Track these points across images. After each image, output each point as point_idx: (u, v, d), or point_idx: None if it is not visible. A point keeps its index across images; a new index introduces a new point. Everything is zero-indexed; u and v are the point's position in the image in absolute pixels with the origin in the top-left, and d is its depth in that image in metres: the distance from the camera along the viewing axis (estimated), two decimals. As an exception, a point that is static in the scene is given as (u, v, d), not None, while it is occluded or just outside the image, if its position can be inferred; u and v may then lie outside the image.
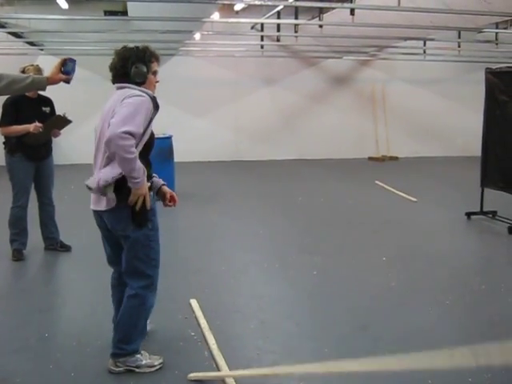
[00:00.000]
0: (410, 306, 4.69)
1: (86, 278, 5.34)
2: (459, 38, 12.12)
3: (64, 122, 5.63)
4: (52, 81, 3.53)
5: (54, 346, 3.92)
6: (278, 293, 5.02)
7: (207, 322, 4.22)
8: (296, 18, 9.95)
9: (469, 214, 7.83)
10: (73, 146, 12.64)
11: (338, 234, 7.07)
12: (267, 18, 10.15)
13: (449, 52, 12.82)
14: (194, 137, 12.49)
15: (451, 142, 14.79)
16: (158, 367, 3.56)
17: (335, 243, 6.63)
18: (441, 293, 4.96)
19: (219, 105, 13.23)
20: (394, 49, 12.77)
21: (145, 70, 3.41)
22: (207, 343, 3.88)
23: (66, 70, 3.47)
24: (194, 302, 4.59)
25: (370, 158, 14.40)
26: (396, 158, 14.41)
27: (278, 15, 10.23)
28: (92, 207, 3.56)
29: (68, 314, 4.61)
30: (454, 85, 14.60)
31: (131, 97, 3.29)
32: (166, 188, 3.78)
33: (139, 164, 3.21)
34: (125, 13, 9.81)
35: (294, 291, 5.05)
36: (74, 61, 3.50)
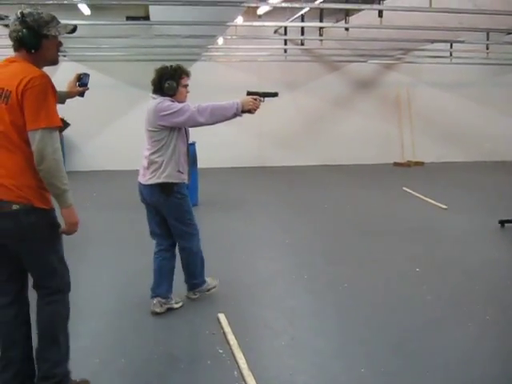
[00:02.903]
0: (448, 322, 4.44)
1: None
2: (487, 39, 11.82)
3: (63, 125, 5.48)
4: (71, 94, 3.62)
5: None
6: (308, 306, 4.80)
7: (236, 338, 4.03)
8: (321, 21, 9.74)
9: (503, 222, 7.54)
10: (94, 153, 12.58)
11: (367, 242, 6.83)
12: (291, 21, 9.96)
13: (476, 55, 12.50)
14: (217, 143, 12.33)
15: (478, 146, 14.45)
16: (217, 285, 4.94)
17: (364, 253, 6.40)
18: (480, 308, 4.71)
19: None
20: (419, 52, 12.50)
21: (174, 85, 4.33)
22: (237, 362, 3.69)
23: (83, 82, 3.60)
24: (221, 317, 4.40)
25: (396, 164, 14.11)
26: (422, 164, 14.10)
27: (302, 18, 10.03)
28: (138, 179, 4.52)
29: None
30: (481, 88, 14.27)
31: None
32: None
33: None
34: (147, 18, 9.69)
35: (325, 305, 4.83)
36: (88, 75, 3.63)
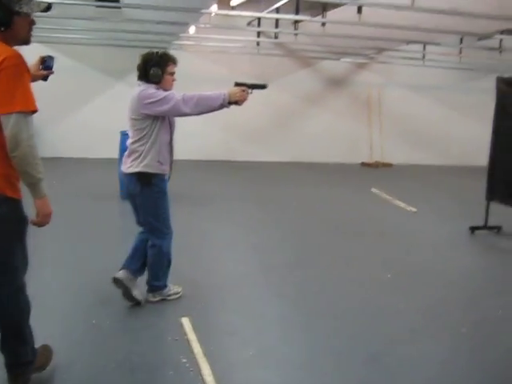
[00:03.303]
0: (424, 334, 4.25)
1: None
2: (461, 43, 11.75)
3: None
4: (33, 78, 3.21)
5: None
6: (277, 312, 4.55)
7: (200, 345, 3.76)
8: (297, 14, 9.48)
9: (473, 229, 7.43)
10: (55, 139, 12.04)
11: (337, 245, 6.64)
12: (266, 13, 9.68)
13: (449, 58, 12.44)
14: (183, 134, 11.91)
15: (447, 150, 14.49)
16: (180, 293, 4.63)
17: (335, 256, 6.19)
18: (455, 319, 4.54)
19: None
20: (393, 52, 12.37)
21: (160, 72, 4.18)
22: (201, 374, 3.42)
23: (47, 65, 3.36)
24: (185, 321, 4.13)
25: (363, 164, 14.02)
26: (390, 165, 14.03)
27: (277, 11, 9.75)
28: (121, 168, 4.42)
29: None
30: (452, 92, 14.28)
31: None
32: None
33: None
34: (117, 1, 9.29)
35: (294, 311, 4.58)
36: (52, 57, 3.40)
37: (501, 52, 11.59)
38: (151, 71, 4.16)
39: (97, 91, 12.03)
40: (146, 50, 4.35)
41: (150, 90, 4.16)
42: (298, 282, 5.25)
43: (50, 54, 3.42)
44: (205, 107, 4.07)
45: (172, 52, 4.48)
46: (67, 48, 11.17)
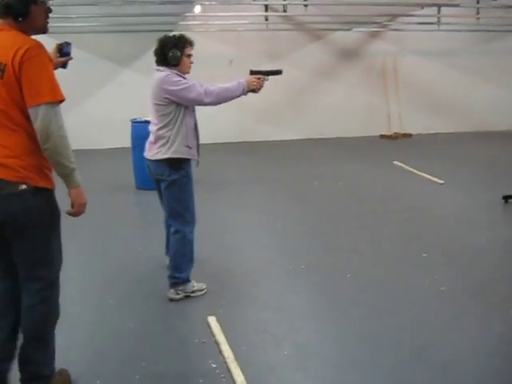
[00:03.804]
0: (471, 318, 3.92)
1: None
2: (478, 3, 11.22)
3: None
4: (53, 66, 3.01)
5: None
6: (309, 304, 4.24)
7: (231, 347, 3.45)
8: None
9: (506, 198, 7.03)
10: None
11: (366, 225, 6.28)
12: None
13: (466, 20, 11.90)
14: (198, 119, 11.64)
15: (467, 116, 13.95)
16: (205, 290, 4.35)
17: (365, 237, 5.84)
18: (502, 300, 4.19)
19: (221, 83, 12.35)
20: (406, 18, 11.87)
21: (179, 54, 4.15)
22: (234, 380, 3.12)
23: (66, 51, 3.26)
24: (212, 321, 3.83)
25: (382, 136, 13.54)
26: (409, 135, 13.54)
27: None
28: (144, 154, 4.38)
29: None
30: (468, 56, 13.69)
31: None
32: None
33: None
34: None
35: (328, 301, 4.26)
36: (69, 43, 3.31)
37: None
38: (170, 53, 4.14)
39: (103, 80, 11.68)
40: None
41: (175, 77, 4.14)
42: (327, 268, 4.92)
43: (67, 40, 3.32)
44: (225, 98, 4.29)
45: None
46: (70, 37, 10.78)
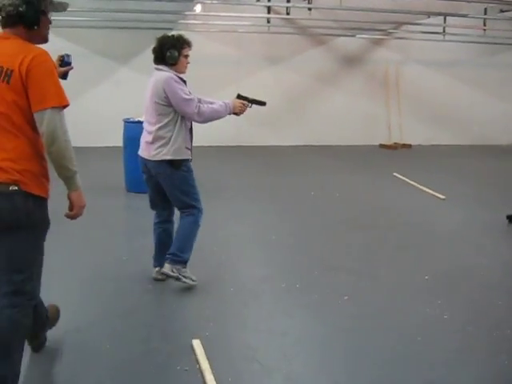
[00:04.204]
0: (477, 353, 3.62)
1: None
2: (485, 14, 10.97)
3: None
4: None
5: None
6: (303, 328, 3.94)
7: (215, 378, 3.14)
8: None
9: (510, 218, 6.75)
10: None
11: (365, 242, 5.97)
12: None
13: (472, 32, 11.64)
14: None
15: (468, 129, 13.69)
16: (195, 283, 4.39)
17: (363, 255, 5.55)
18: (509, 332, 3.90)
19: (219, 85, 11.94)
20: (411, 27, 11.60)
21: (176, 54, 4.26)
22: (218, 418, 2.81)
23: (66, 61, 3.36)
24: (197, 345, 3.50)
25: (382, 146, 13.29)
26: (409, 146, 13.28)
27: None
28: (139, 153, 4.41)
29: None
30: (473, 68, 13.44)
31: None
32: None
33: None
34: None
35: (323, 325, 3.96)
36: (70, 55, 3.41)
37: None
38: (168, 53, 4.25)
39: (98, 77, 11.36)
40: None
41: (179, 84, 4.24)
42: (324, 289, 4.61)
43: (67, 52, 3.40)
44: (213, 119, 4.45)
45: (178, 33, 4.47)
46: (66, 32, 10.50)
